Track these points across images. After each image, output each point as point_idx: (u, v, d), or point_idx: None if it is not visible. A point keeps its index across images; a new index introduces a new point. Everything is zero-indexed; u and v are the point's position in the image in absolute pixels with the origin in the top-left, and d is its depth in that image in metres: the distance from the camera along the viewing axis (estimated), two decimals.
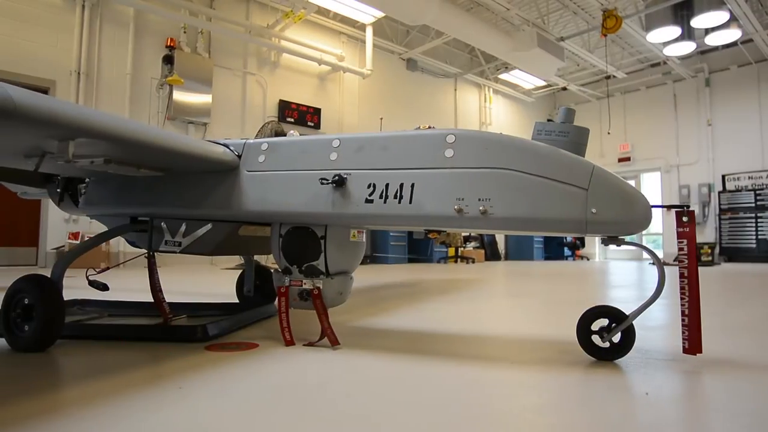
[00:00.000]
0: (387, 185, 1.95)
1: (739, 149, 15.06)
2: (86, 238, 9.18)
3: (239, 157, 2.25)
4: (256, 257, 3.33)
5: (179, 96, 10.10)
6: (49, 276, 2.13)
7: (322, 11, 12.16)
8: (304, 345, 2.12)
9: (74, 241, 8.96)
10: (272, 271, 2.33)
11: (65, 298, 2.13)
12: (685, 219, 1.90)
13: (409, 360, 1.92)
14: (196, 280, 6.08)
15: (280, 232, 2.24)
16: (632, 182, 11.83)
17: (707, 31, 12.47)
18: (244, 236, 2.41)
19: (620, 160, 17.26)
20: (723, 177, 15.35)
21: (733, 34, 12.44)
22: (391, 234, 12.25)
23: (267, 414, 1.30)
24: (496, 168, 1.84)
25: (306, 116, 12.17)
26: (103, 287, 2.74)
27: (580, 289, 5.37)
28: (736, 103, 15.20)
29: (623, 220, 1.77)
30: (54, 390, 1.49)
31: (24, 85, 1.77)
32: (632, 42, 15.19)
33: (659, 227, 16.31)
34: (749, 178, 14.91)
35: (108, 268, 3.07)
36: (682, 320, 1.87)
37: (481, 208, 1.82)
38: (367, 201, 1.96)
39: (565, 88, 17.79)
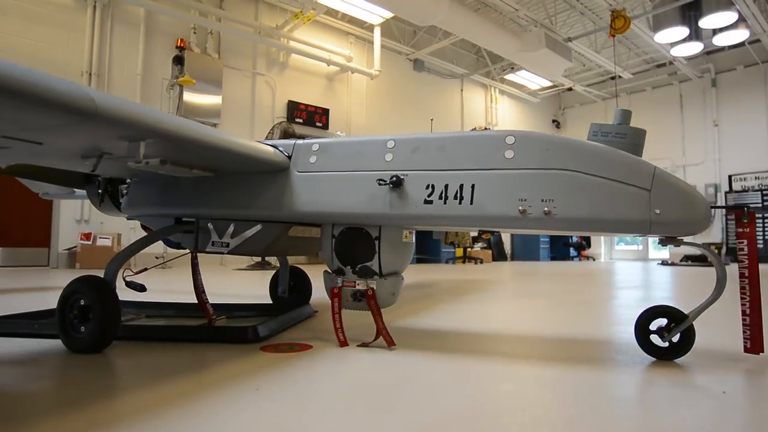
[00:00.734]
0: (446, 186, 1.95)
1: (746, 149, 15.08)
2: (98, 239, 9.17)
3: (289, 158, 2.24)
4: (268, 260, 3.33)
5: (190, 97, 10.09)
6: (102, 277, 2.13)
7: (331, 12, 12.16)
8: (357, 346, 2.12)
9: (86, 242, 8.96)
10: (324, 271, 2.33)
11: None
12: (744, 220, 1.90)
13: (470, 360, 1.92)
14: (206, 281, 6.08)
15: (333, 233, 2.24)
16: None
17: (715, 31, 12.48)
18: (293, 237, 2.40)
19: None
20: (729, 177, 15.37)
21: (740, 35, 12.45)
22: None
23: (360, 415, 1.30)
24: (559, 169, 1.84)
25: (314, 117, 12.17)
26: (141, 288, 2.73)
27: (598, 290, 5.37)
28: (742, 104, 15.22)
29: (685, 220, 1.78)
30: (134, 391, 1.49)
31: None
32: (638, 42, 15.21)
33: None
34: (756, 178, 14.93)
35: (146, 269, 3.06)
36: (743, 320, 1.87)
37: (545, 209, 1.82)
38: (426, 202, 1.96)
39: (570, 89, 17.80)
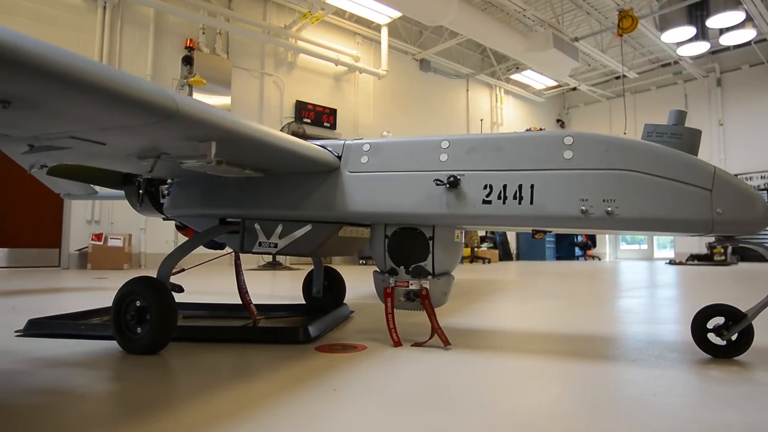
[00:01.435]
0: (505, 186, 1.95)
1: (751, 149, 15.11)
2: (109, 240, 9.16)
3: (339, 158, 2.24)
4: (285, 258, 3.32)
5: (198, 97, 10.08)
6: (156, 278, 2.13)
7: (338, 12, 12.16)
8: (411, 345, 2.12)
9: (97, 243, 8.94)
10: (373, 271, 2.32)
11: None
12: None
13: (528, 358, 1.92)
14: (216, 282, 6.07)
15: (386, 233, 2.24)
16: None
17: (722, 31, 12.50)
18: (341, 237, 2.40)
19: None
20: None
21: (747, 34, 12.48)
22: None
23: (450, 415, 1.30)
24: (620, 169, 1.85)
25: (322, 117, 12.17)
26: (179, 289, 2.73)
27: (618, 289, 5.38)
28: (747, 103, 15.26)
29: (746, 219, 1.78)
30: (216, 392, 1.49)
31: None
32: (644, 42, 15.23)
33: None
34: (762, 177, 14.96)
35: (183, 270, 3.06)
36: None
37: (608, 208, 1.82)
38: (485, 202, 1.96)
39: (575, 88, 17.82)
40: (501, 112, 16.92)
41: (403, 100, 14.13)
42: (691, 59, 15.25)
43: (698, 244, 14.79)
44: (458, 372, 1.73)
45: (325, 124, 12.18)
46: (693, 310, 2.14)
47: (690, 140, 2.02)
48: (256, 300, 2.90)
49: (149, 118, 1.37)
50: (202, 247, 2.53)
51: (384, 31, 12.71)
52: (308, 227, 2.30)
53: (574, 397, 1.48)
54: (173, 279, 2.25)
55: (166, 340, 2.01)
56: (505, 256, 15.47)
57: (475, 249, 13.41)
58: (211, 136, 1.58)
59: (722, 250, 13.72)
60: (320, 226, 2.29)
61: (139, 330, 2.01)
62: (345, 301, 3.35)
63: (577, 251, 17.00)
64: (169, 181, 2.70)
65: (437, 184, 2.01)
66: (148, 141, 1.68)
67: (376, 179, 2.14)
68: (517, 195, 1.93)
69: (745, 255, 14.61)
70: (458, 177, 2.00)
